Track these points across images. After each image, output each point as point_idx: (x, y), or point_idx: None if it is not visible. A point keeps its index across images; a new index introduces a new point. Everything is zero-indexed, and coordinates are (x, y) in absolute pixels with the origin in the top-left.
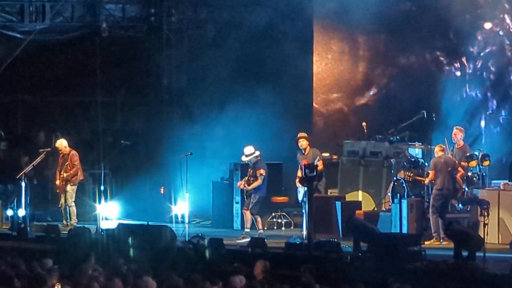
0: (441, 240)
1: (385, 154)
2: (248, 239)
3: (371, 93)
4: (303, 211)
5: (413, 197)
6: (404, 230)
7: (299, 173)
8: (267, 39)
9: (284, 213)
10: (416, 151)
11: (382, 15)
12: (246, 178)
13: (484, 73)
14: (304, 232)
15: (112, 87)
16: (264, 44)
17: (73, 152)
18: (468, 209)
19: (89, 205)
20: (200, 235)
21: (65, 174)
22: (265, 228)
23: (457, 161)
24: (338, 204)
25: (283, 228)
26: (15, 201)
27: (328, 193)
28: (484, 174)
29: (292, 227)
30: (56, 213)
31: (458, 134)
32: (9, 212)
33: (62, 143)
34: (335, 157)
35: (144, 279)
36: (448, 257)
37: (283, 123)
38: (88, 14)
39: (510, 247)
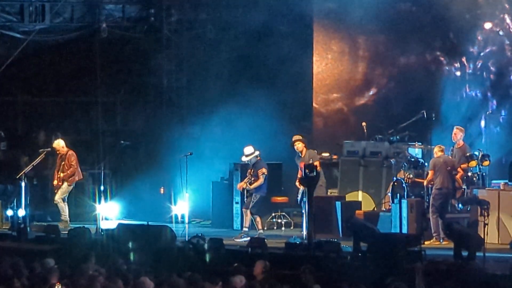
0: (441, 240)
1: (385, 154)
2: (247, 239)
3: (371, 93)
4: (303, 211)
5: (413, 197)
6: (404, 230)
7: (300, 176)
8: (267, 39)
9: (284, 213)
10: (416, 151)
11: (382, 15)
12: (247, 179)
13: (484, 73)
14: (304, 232)
15: (112, 87)
16: (264, 44)
17: (70, 152)
18: (468, 209)
19: (89, 205)
20: (200, 235)
21: (61, 174)
22: (265, 228)
23: (456, 162)
24: (338, 204)
25: (283, 228)
26: (15, 201)
27: (328, 193)
28: (484, 174)
29: (292, 227)
30: (56, 213)
31: (458, 134)
32: (9, 212)
33: (59, 144)
34: (335, 157)
35: (142, 279)
36: (448, 257)
37: (283, 123)
38: (88, 14)
39: (510, 247)
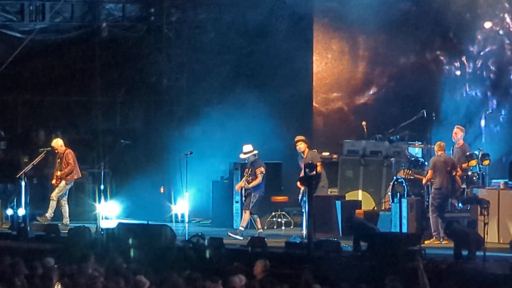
0: (441, 240)
1: (385, 153)
2: (241, 238)
3: (371, 92)
4: (303, 210)
5: (413, 196)
6: (404, 230)
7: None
8: (267, 38)
9: (284, 213)
10: (416, 150)
11: (382, 14)
12: (245, 178)
13: (484, 72)
14: (304, 232)
15: (112, 86)
16: (264, 43)
17: (68, 151)
18: (468, 208)
19: (89, 204)
20: (200, 234)
21: (59, 173)
22: (265, 228)
23: (456, 161)
24: (338, 203)
25: (283, 228)
26: (15, 200)
27: (328, 193)
28: (484, 173)
29: (292, 227)
30: (56, 213)
31: (458, 134)
32: (9, 212)
33: (58, 142)
34: (335, 156)
35: (137, 278)
36: (448, 256)
37: (283, 122)
38: (88, 14)
39: (510, 246)
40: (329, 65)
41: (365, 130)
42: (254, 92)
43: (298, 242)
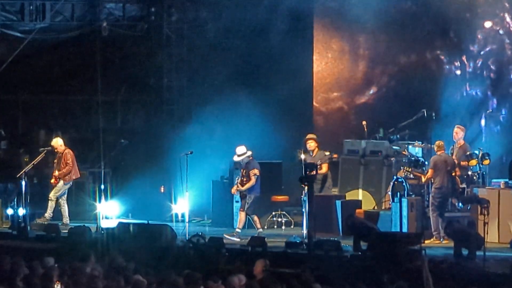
0: (441, 239)
1: (385, 153)
2: (237, 240)
3: (371, 92)
4: (303, 210)
5: (413, 196)
6: (404, 229)
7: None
8: (267, 38)
9: (284, 212)
10: (416, 150)
11: (382, 14)
12: (239, 179)
13: (484, 71)
14: (304, 231)
15: (113, 86)
16: (264, 43)
17: (67, 150)
18: (468, 208)
19: (89, 204)
20: (200, 234)
21: (57, 172)
22: (265, 227)
23: (456, 160)
24: (338, 203)
25: (283, 227)
26: (15, 200)
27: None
28: (484, 173)
29: (292, 226)
30: (56, 212)
31: (459, 133)
32: (9, 211)
33: (57, 142)
34: (335, 156)
35: (135, 277)
36: (448, 256)
37: (283, 122)
38: (88, 13)
39: (510, 246)
40: (329, 64)
41: (365, 129)
42: (254, 92)
43: (298, 241)
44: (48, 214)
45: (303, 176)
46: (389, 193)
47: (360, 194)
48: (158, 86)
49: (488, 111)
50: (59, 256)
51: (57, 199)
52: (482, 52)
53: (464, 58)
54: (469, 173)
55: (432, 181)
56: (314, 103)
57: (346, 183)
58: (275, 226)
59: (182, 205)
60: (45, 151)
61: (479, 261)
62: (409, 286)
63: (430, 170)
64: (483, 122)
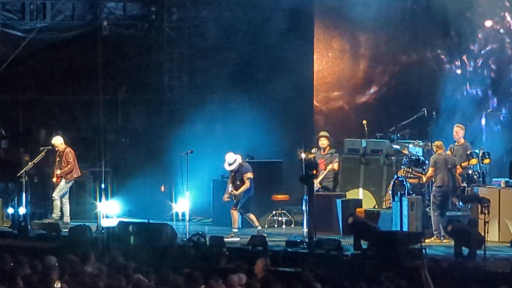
0: (442, 238)
1: (385, 152)
2: (237, 239)
3: (372, 91)
4: (304, 209)
5: (413, 195)
6: (405, 228)
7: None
8: (268, 37)
9: (284, 211)
10: (416, 149)
11: (383, 13)
12: (230, 183)
13: (485, 71)
14: (305, 230)
15: (113, 85)
16: (265, 42)
17: (68, 149)
18: (469, 207)
19: (90, 203)
20: (200, 233)
21: (59, 171)
22: (266, 226)
23: (457, 160)
24: (338, 202)
25: (283, 226)
26: (15, 199)
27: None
28: (484, 172)
29: (292, 225)
30: None
31: (459, 132)
32: (10, 210)
33: (58, 140)
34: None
35: (135, 276)
36: (449, 255)
37: (283, 121)
38: (89, 12)
39: (510, 245)
40: (329, 63)
41: (366, 129)
42: (255, 91)
43: (298, 240)
44: (56, 214)
45: (304, 175)
46: (390, 192)
47: (360, 193)
48: (158, 85)
49: (488, 110)
50: (60, 255)
51: (60, 198)
52: (482, 51)
53: (464, 57)
54: (470, 172)
55: (433, 180)
56: (315, 102)
57: (347, 182)
58: (276, 225)
59: (183, 204)
60: (46, 150)
61: (480, 260)
62: (409, 285)
63: (430, 169)
64: (483, 121)
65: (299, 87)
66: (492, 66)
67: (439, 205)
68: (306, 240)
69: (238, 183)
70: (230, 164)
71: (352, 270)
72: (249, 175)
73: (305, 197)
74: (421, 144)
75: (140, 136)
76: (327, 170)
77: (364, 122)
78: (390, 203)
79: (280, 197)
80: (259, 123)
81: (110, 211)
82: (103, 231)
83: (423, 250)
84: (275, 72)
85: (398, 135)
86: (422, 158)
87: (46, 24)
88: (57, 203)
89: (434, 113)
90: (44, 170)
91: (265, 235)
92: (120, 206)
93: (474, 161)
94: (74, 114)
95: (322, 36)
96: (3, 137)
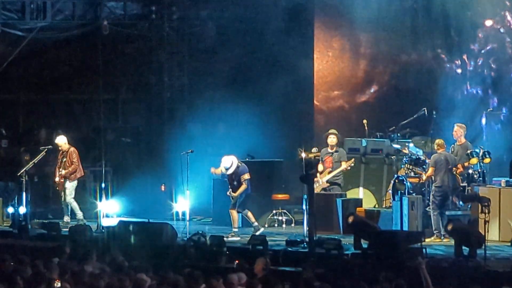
0: (442, 238)
1: (386, 151)
2: (237, 238)
3: (372, 90)
4: (304, 208)
5: (414, 194)
6: (405, 228)
7: (320, 168)
8: (268, 36)
9: (284, 211)
10: (416, 149)
11: (383, 12)
12: (229, 183)
13: (485, 70)
14: (305, 229)
15: (113, 84)
16: (265, 41)
17: (72, 149)
18: (469, 206)
19: (90, 202)
20: (201, 232)
21: (63, 171)
22: (266, 226)
23: (458, 159)
24: (339, 201)
25: (283, 226)
26: (16, 198)
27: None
28: (485, 171)
29: (293, 225)
30: (57, 211)
31: (458, 131)
32: (10, 210)
33: (61, 140)
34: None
35: (138, 275)
36: (449, 254)
37: (283, 120)
38: (89, 12)
39: (511, 244)
40: (330, 63)
41: (366, 128)
42: (255, 90)
43: (299, 240)
44: (79, 214)
45: (304, 175)
46: (390, 191)
47: (361, 192)
48: (159, 85)
49: (488, 110)
50: (60, 255)
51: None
52: (483, 51)
53: (465, 56)
54: (470, 171)
55: (433, 179)
56: (315, 102)
57: (347, 181)
58: (276, 225)
59: (183, 203)
60: (46, 149)
61: (480, 259)
62: (410, 284)
63: (430, 168)
64: (483, 120)
65: (299, 86)
66: (492, 65)
67: (438, 205)
68: (307, 239)
69: (235, 183)
70: (227, 169)
71: (352, 269)
72: (246, 176)
73: (305, 196)
74: (422, 142)
75: (140, 136)
76: (341, 168)
77: (365, 121)
78: (390, 203)
79: (280, 196)
80: (259, 122)
81: (110, 210)
82: (103, 230)
83: (423, 250)
84: (275, 72)
85: (399, 134)
86: (422, 157)
87: (46, 23)
88: (74, 205)
89: (434, 112)
90: (44, 169)
91: (262, 228)
92: (120, 206)
93: (474, 160)
94: (74, 113)
95: (322, 35)
96: (3, 137)
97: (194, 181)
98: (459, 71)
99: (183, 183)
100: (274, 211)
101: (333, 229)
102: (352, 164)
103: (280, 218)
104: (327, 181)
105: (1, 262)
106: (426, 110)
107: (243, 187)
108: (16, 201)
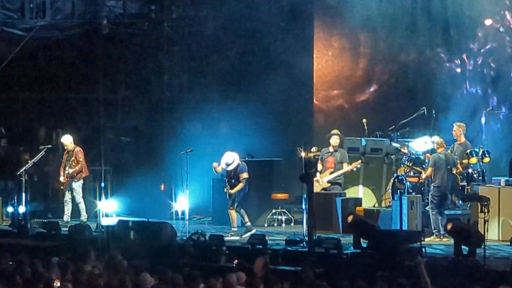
0: (441, 237)
1: (385, 150)
2: (237, 238)
3: (372, 89)
4: (303, 207)
5: (413, 193)
6: (405, 227)
7: (320, 167)
8: (268, 35)
9: (284, 210)
10: (421, 146)
11: (382, 11)
12: (227, 181)
13: (485, 69)
14: (305, 229)
15: (113, 84)
16: (265, 40)
17: (78, 148)
18: (468, 205)
19: (90, 201)
20: (200, 231)
21: (70, 170)
22: (265, 225)
23: (456, 158)
24: (338, 200)
25: (283, 225)
26: (15, 197)
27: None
28: (484, 170)
29: (292, 224)
30: (56, 210)
31: (458, 131)
32: (10, 209)
33: (67, 139)
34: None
35: (142, 275)
36: (449, 253)
37: (283, 119)
38: (88, 11)
39: (510, 243)
40: (329, 62)
41: (366, 127)
42: (255, 90)
43: (298, 239)
44: (84, 216)
45: (303, 174)
46: (389, 190)
47: (360, 191)
48: (158, 84)
49: (488, 109)
50: (60, 254)
51: (71, 196)
52: (482, 50)
53: (464, 56)
54: (470, 170)
55: (432, 178)
56: (315, 101)
57: (347, 180)
58: (275, 224)
59: (182, 202)
60: (46, 149)
61: (479, 259)
62: (409, 283)
63: (429, 168)
64: (483, 120)
65: (298, 85)
66: (492, 64)
67: (437, 204)
68: (306, 238)
69: (233, 181)
70: (228, 164)
71: (351, 268)
72: (245, 175)
73: (305, 195)
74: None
75: (140, 135)
76: (347, 169)
77: (364, 120)
78: (389, 202)
79: (280, 195)
80: (259, 121)
81: (109, 209)
82: (102, 229)
83: (423, 249)
84: (275, 71)
85: (398, 133)
86: (421, 156)
87: (46, 22)
88: (82, 205)
89: (433, 111)
90: (44, 168)
91: (254, 229)
92: (119, 205)
93: (474, 159)
94: (73, 112)
95: (322, 34)
96: (3, 136)
97: (193, 180)
98: (458, 70)
99: (183, 182)
100: (273, 210)
101: (332, 228)
102: (359, 166)
103: (279, 217)
104: (328, 181)
105: (1, 261)
106: (425, 109)
107: (240, 185)
108: (15, 200)
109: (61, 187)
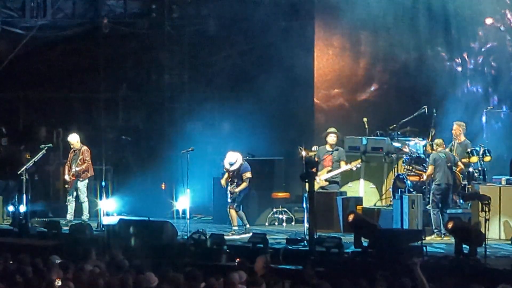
0: (442, 236)
1: (386, 149)
2: (238, 237)
3: (372, 88)
4: (304, 206)
5: (414, 192)
6: (405, 226)
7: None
8: (268, 34)
9: (285, 209)
10: (417, 146)
11: (383, 10)
12: (226, 179)
13: (485, 68)
14: (305, 228)
15: (114, 83)
16: (265, 40)
17: (85, 147)
18: (469, 204)
19: (91, 200)
20: (201, 230)
21: (77, 169)
22: (266, 224)
23: (457, 156)
24: (339, 199)
25: (284, 224)
26: (16, 197)
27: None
28: (485, 169)
29: (293, 223)
30: (57, 209)
31: (457, 130)
32: (10, 208)
33: (74, 138)
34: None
35: (146, 274)
36: (449, 252)
37: (284, 118)
38: (89, 10)
39: (511, 242)
40: (330, 61)
41: (366, 126)
42: (255, 89)
43: (299, 238)
44: (86, 215)
45: (304, 173)
46: (390, 189)
47: (361, 186)
48: (159, 83)
49: (489, 108)
50: (61, 253)
51: (73, 196)
52: (483, 49)
53: (465, 55)
54: (470, 169)
55: (433, 177)
56: (315, 100)
57: (347, 179)
58: (276, 223)
59: (183, 202)
60: (46, 148)
61: (480, 257)
62: (408, 283)
63: (430, 167)
64: (484, 119)
65: (299, 84)
66: (492, 63)
67: (438, 203)
68: (307, 237)
69: (236, 180)
70: (231, 164)
71: (352, 267)
72: (248, 174)
73: (306, 194)
74: (421, 141)
75: (141, 134)
76: (346, 168)
77: (365, 119)
78: (390, 201)
79: (280, 194)
80: (260, 120)
81: (110, 208)
82: (103, 229)
83: (424, 248)
84: (276, 70)
85: (399, 132)
86: (422, 155)
87: (46, 21)
88: (86, 205)
89: (434, 110)
90: (44, 168)
91: (251, 233)
92: (120, 204)
93: (474, 158)
94: (74, 111)
95: (323, 33)
96: (4, 135)
97: (194, 180)
98: (459, 69)
99: (184, 182)
100: (274, 209)
101: (333, 227)
102: (359, 165)
103: (280, 216)
104: (325, 180)
105: (2, 261)
106: (426, 108)
107: (244, 184)
108: (16, 199)
109: (66, 186)
